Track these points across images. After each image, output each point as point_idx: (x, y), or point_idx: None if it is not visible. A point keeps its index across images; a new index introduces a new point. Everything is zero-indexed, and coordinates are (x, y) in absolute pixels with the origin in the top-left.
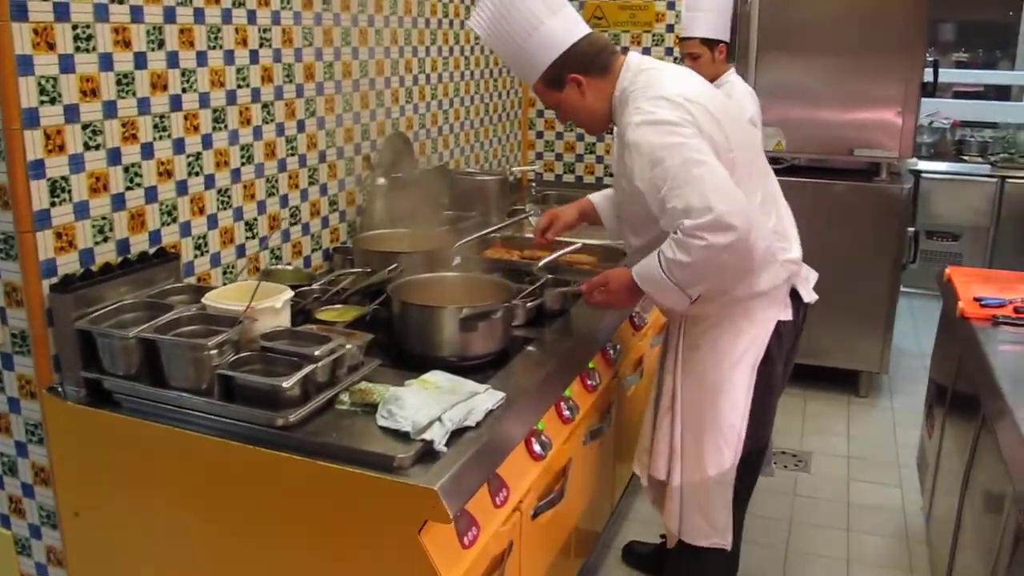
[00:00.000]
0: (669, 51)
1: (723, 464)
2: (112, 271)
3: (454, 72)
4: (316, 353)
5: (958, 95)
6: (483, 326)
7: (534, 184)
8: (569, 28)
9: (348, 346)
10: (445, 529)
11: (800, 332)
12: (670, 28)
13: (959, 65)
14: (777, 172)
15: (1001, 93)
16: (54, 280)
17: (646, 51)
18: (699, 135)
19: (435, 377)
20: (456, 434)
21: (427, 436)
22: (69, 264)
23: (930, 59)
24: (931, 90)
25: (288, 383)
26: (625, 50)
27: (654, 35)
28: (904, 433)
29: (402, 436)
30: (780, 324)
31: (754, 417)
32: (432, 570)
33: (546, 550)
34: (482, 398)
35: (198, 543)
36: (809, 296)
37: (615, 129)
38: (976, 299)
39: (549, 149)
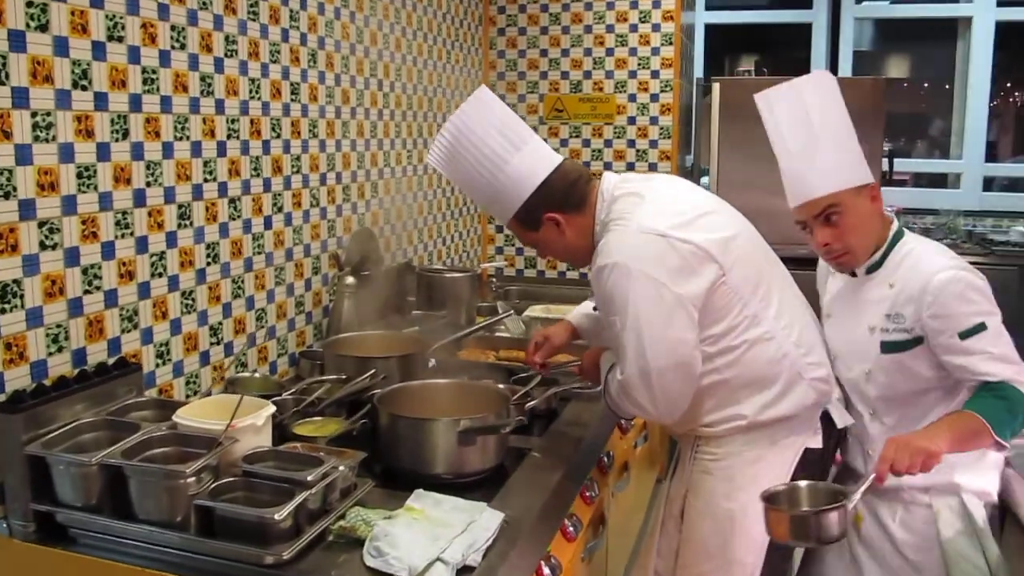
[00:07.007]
0: (632, 143)
1: None
2: (68, 385)
3: (417, 165)
4: (309, 478)
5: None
6: (481, 439)
7: (494, 279)
8: (537, 163)
9: (340, 468)
10: None
11: (831, 459)
12: (632, 120)
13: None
14: None
15: (934, 181)
16: (1, 398)
17: (607, 143)
18: (662, 277)
19: (422, 503)
20: (460, 572)
21: None
22: (19, 379)
23: (887, 148)
24: (888, 179)
25: (281, 514)
26: (608, 167)
27: (615, 127)
28: None
29: None
30: (808, 452)
31: (772, 553)
32: None
33: None
34: (480, 524)
35: None
36: (843, 420)
37: None
38: None
39: (509, 243)
